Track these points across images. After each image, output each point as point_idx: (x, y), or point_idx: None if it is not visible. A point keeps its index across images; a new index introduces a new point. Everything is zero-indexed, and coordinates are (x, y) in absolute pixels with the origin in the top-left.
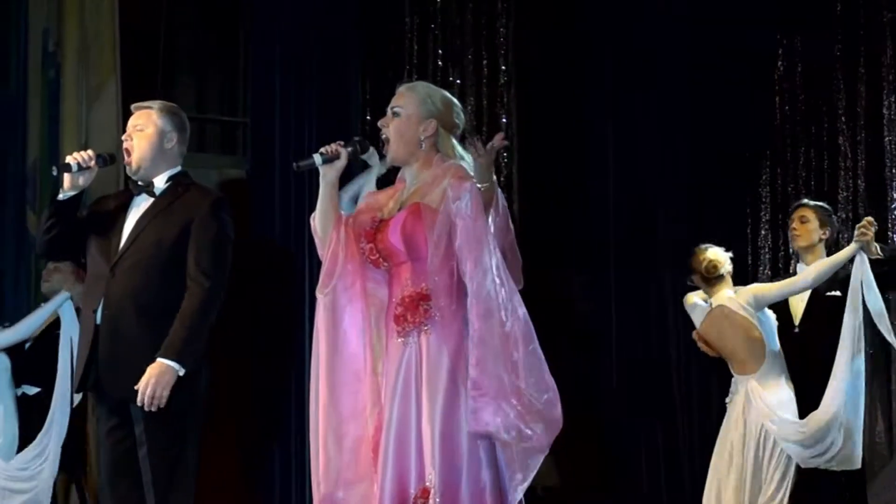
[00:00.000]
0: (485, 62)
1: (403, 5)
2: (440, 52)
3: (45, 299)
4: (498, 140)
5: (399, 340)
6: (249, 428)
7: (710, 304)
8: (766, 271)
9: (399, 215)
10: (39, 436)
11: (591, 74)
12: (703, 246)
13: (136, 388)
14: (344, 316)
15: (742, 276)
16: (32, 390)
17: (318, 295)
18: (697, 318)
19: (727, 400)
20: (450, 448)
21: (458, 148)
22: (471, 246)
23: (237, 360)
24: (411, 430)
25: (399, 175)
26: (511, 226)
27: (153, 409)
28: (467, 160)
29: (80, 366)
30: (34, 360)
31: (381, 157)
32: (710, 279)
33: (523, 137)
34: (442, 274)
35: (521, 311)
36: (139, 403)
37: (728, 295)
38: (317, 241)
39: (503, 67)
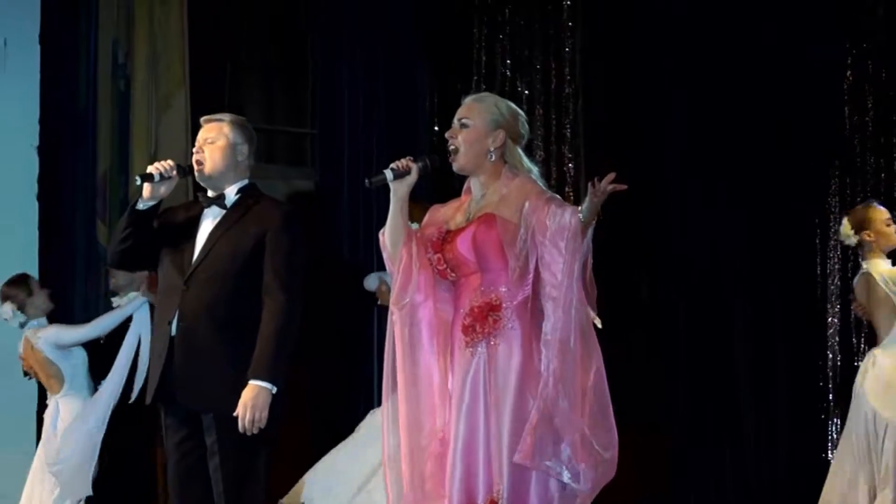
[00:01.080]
0: (552, 72)
1: (472, 16)
2: (508, 62)
3: (114, 294)
4: (610, 183)
5: (467, 351)
6: (317, 440)
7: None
8: (835, 281)
9: (470, 226)
10: (74, 422)
11: (659, 84)
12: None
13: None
14: (421, 330)
15: (811, 286)
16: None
17: (394, 308)
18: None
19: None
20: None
21: (525, 158)
22: (561, 278)
23: (305, 372)
24: (479, 442)
25: (465, 186)
26: (591, 258)
27: (255, 431)
28: (534, 171)
29: (153, 377)
30: (110, 357)
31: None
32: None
33: (590, 148)
34: (518, 288)
35: (598, 360)
36: (241, 430)
37: (882, 266)
38: (385, 255)
39: (570, 78)
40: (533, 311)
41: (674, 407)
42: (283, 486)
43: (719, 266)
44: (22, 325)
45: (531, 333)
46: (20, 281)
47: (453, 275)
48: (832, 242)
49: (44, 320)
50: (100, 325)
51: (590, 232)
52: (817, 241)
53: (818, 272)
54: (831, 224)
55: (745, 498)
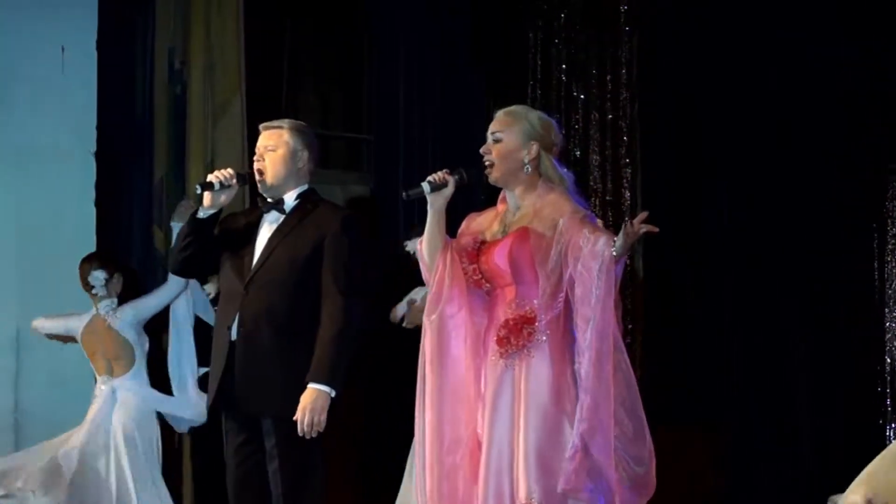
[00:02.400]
0: (608, 77)
1: (527, 21)
2: (563, 67)
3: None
4: (641, 223)
5: (500, 362)
6: (368, 444)
7: None
8: (893, 286)
9: (506, 239)
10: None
11: (716, 86)
12: None
13: (290, 417)
14: (451, 341)
15: (869, 292)
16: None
17: (426, 319)
18: None
19: None
20: (551, 469)
21: (559, 167)
22: (594, 300)
23: (360, 374)
24: (510, 453)
25: (500, 196)
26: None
27: (314, 435)
28: (570, 179)
29: (213, 381)
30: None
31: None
32: None
33: (647, 152)
34: (552, 302)
35: (630, 376)
36: (300, 434)
37: None
38: (422, 265)
39: (626, 82)
40: (565, 327)
41: (728, 410)
42: (340, 491)
43: (775, 269)
44: (101, 300)
45: (563, 347)
46: (111, 257)
47: (488, 285)
48: (889, 247)
49: (115, 301)
50: (165, 291)
51: (620, 265)
52: (875, 246)
53: (875, 277)
54: (889, 228)
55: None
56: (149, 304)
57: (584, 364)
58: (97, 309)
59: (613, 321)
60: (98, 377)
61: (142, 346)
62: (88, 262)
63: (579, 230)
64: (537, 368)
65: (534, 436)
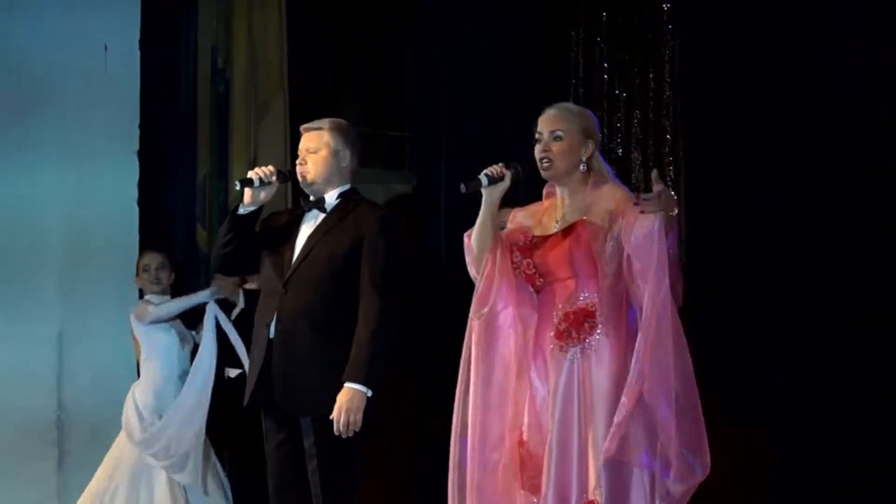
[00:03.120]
0: (651, 75)
1: (569, 19)
2: (605, 65)
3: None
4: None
5: (560, 355)
6: (410, 445)
7: None
8: None
9: (563, 232)
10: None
11: (760, 86)
12: None
13: (328, 416)
14: (499, 338)
15: None
16: (234, 372)
17: (473, 316)
18: None
19: None
20: (617, 464)
21: (602, 161)
22: (653, 286)
23: (401, 376)
24: (573, 447)
25: (546, 190)
26: (678, 251)
27: (349, 434)
28: (609, 174)
29: (251, 379)
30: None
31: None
32: None
33: (690, 151)
34: (611, 293)
35: (688, 364)
36: (336, 433)
37: None
38: (469, 258)
39: (669, 80)
40: (625, 319)
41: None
42: (379, 492)
43: (819, 262)
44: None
45: (625, 340)
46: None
47: (541, 280)
48: None
49: (155, 298)
50: (168, 306)
51: (672, 236)
52: None
53: None
54: None
55: (841, 499)
56: (147, 312)
57: (642, 344)
58: (148, 298)
59: (670, 299)
60: None
61: (148, 345)
62: (159, 253)
63: (632, 212)
64: (597, 362)
65: (597, 434)
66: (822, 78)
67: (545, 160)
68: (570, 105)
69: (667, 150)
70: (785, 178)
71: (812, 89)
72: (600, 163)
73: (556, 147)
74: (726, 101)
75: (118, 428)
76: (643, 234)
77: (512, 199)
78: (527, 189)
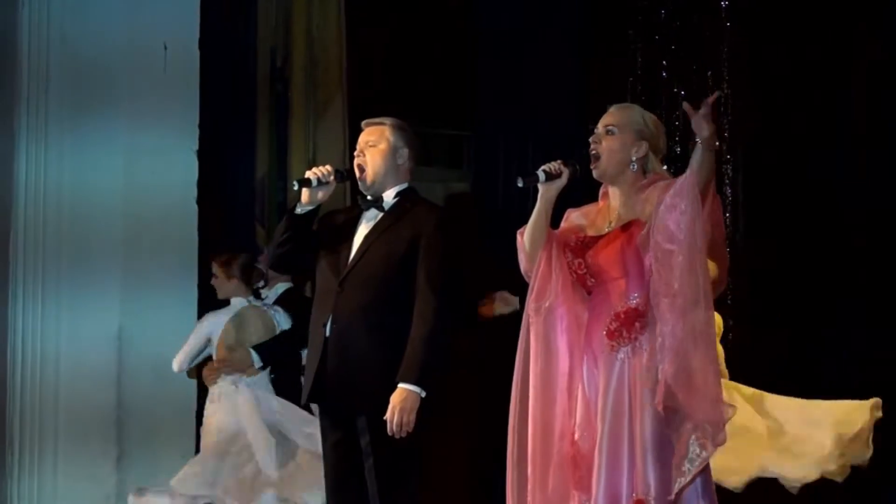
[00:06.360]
0: (709, 73)
1: (627, 17)
2: (664, 63)
3: (263, 286)
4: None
5: (611, 355)
6: (471, 443)
7: None
8: None
9: (615, 233)
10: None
11: (818, 84)
12: None
13: (384, 416)
14: (557, 335)
15: None
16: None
17: (531, 312)
18: None
19: None
20: (668, 464)
21: (665, 172)
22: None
23: (461, 374)
24: (623, 445)
25: (601, 191)
26: (722, 221)
27: (402, 435)
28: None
29: (308, 378)
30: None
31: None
32: None
33: (748, 149)
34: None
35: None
36: (389, 433)
37: None
38: (521, 255)
39: (727, 79)
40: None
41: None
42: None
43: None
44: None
45: None
46: (231, 259)
47: (592, 280)
48: None
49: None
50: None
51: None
52: None
53: None
54: None
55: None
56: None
57: (669, 299)
58: (251, 301)
59: (706, 264)
60: None
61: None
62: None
63: (663, 189)
64: (648, 362)
65: (650, 431)
66: (879, 73)
67: (593, 152)
68: (634, 106)
69: (724, 147)
70: (843, 176)
71: (869, 84)
72: (658, 167)
73: (605, 142)
74: (784, 98)
75: (178, 426)
76: (672, 193)
77: (568, 200)
78: (585, 190)
